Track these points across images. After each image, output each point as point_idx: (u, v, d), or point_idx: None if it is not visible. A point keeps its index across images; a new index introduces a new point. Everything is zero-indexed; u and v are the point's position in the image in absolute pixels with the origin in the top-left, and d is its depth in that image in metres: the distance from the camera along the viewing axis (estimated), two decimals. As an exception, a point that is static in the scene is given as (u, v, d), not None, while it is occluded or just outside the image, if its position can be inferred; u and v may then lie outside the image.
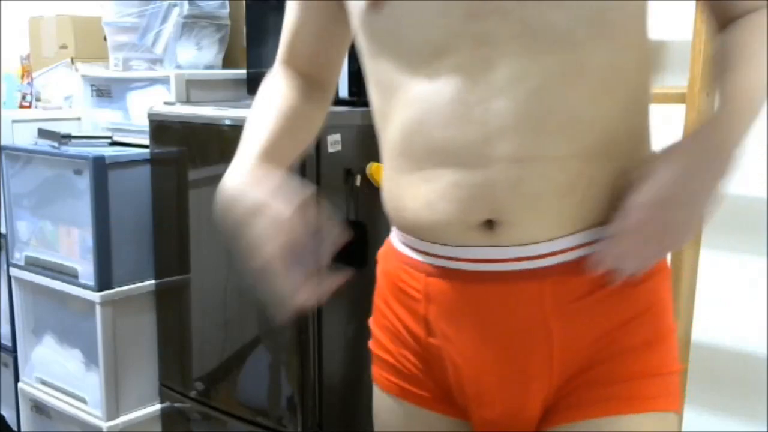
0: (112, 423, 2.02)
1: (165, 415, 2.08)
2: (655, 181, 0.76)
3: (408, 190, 0.84)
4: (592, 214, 0.80)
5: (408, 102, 0.81)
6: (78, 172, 1.96)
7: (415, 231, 0.87)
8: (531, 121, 0.76)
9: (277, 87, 0.99)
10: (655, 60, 0.87)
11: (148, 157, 1.98)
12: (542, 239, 0.80)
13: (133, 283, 2.01)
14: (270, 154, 0.89)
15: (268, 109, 0.96)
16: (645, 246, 0.79)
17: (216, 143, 1.78)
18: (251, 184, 0.84)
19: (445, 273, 0.85)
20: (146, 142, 1.98)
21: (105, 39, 2.24)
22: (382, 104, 0.87)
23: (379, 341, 1.03)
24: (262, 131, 0.92)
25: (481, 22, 0.75)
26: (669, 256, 0.94)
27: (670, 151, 0.78)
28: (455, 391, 0.91)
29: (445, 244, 0.84)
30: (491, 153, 0.77)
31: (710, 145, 0.77)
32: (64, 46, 2.43)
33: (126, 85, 2.15)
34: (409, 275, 0.90)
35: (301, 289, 0.82)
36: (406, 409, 0.98)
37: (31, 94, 2.53)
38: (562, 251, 0.81)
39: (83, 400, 2.09)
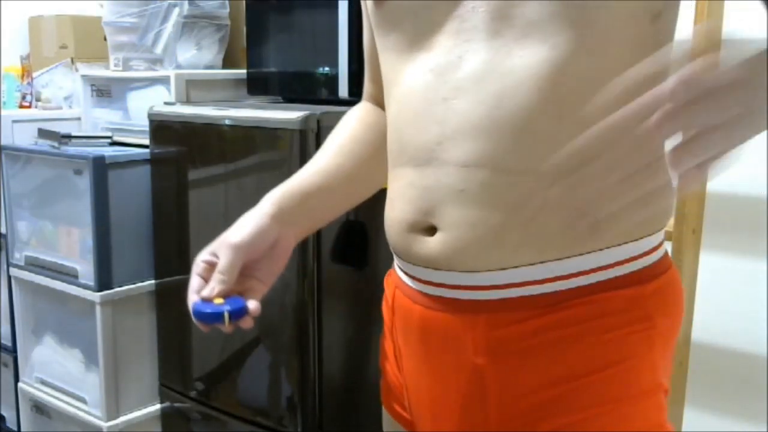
0: (112, 423, 2.02)
1: (165, 415, 2.08)
2: (701, 62, 0.56)
3: (389, 188, 0.83)
4: (545, 245, 0.71)
5: (394, 99, 0.80)
6: (78, 172, 1.96)
7: (388, 234, 0.83)
8: (484, 127, 0.70)
9: (345, 129, 0.96)
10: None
11: (148, 157, 1.98)
12: (482, 267, 0.72)
13: (133, 283, 2.01)
14: (283, 212, 0.87)
15: (319, 158, 0.93)
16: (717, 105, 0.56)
17: (216, 143, 1.78)
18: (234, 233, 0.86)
19: (403, 286, 0.82)
20: (146, 142, 1.98)
21: (105, 39, 2.24)
22: (385, 101, 0.85)
23: (383, 352, 0.95)
24: (293, 183, 0.90)
25: (459, 18, 0.73)
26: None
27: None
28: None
29: (400, 257, 0.81)
30: (442, 155, 0.72)
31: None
32: (64, 46, 2.43)
33: (126, 85, 2.15)
34: (387, 283, 0.88)
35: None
36: (397, 428, 0.91)
37: (31, 94, 2.53)
38: (504, 286, 0.73)
39: (83, 400, 2.09)
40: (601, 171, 0.62)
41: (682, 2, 0.75)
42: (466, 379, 0.76)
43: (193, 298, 0.82)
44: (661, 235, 0.78)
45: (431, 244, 0.75)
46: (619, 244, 0.73)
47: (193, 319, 0.82)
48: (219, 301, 0.81)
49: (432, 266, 0.76)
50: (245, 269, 0.84)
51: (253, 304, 0.81)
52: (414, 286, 0.80)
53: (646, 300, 0.74)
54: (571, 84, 0.68)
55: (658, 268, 0.76)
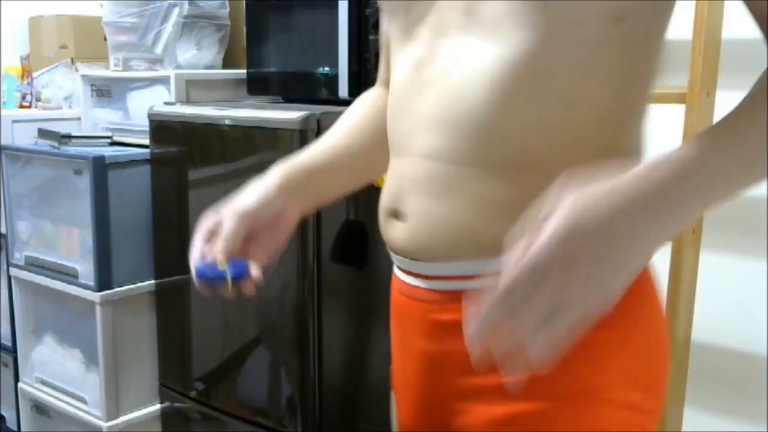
0: (112, 423, 2.02)
1: (165, 415, 2.08)
2: (554, 225, 0.56)
3: None
4: (492, 240, 0.66)
5: (390, 89, 0.83)
6: (78, 172, 1.96)
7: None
8: (442, 120, 0.72)
9: (359, 107, 0.99)
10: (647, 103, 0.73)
11: (148, 157, 1.98)
12: (437, 258, 0.74)
13: (133, 283, 2.01)
14: (290, 184, 0.88)
15: (329, 136, 0.95)
16: (529, 321, 0.57)
17: (216, 143, 1.78)
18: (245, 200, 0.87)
19: (394, 273, 0.86)
20: (146, 142, 1.98)
21: (105, 39, 2.24)
22: None
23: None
24: (302, 157, 0.91)
25: (439, 12, 0.74)
26: (668, 262, 0.83)
27: (605, 179, 0.59)
28: None
29: (386, 243, 0.84)
30: (411, 145, 0.75)
31: (662, 192, 0.58)
32: (64, 46, 2.43)
33: (126, 85, 2.15)
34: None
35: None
36: None
37: (31, 94, 2.53)
38: (454, 277, 0.74)
39: (83, 400, 2.09)
40: (552, 170, 0.63)
41: (682, 2, 0.73)
42: (420, 364, 0.80)
43: (195, 262, 0.83)
44: None
45: (399, 231, 0.78)
46: None
47: (195, 282, 0.83)
48: (222, 266, 0.82)
49: (401, 253, 0.79)
50: (248, 237, 0.85)
51: (255, 270, 0.83)
52: (396, 272, 0.84)
53: None
54: (524, 83, 0.68)
55: None
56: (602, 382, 0.71)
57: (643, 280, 0.73)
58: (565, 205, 0.57)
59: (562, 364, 0.66)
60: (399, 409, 0.88)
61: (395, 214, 0.78)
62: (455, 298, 0.74)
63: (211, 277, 0.81)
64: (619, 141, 0.71)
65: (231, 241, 0.83)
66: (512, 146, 0.70)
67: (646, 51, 0.70)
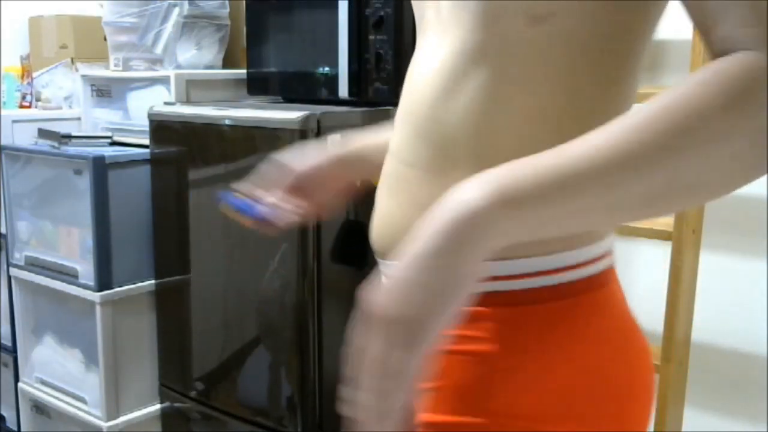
0: (112, 423, 2.02)
1: (165, 415, 2.08)
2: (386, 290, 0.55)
3: None
4: None
5: None
6: (78, 172, 1.96)
7: None
8: (402, 119, 0.75)
9: None
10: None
11: (148, 157, 1.98)
12: (392, 256, 0.72)
13: (133, 283, 2.01)
14: (348, 157, 0.95)
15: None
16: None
17: (216, 143, 1.78)
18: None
19: None
20: (146, 142, 1.98)
21: (105, 39, 2.24)
22: None
23: None
24: (366, 137, 0.96)
25: (423, 12, 0.76)
26: (668, 262, 0.81)
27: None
28: None
29: None
30: (392, 141, 0.78)
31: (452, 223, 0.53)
32: (64, 46, 2.43)
33: (126, 85, 2.15)
34: None
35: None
36: None
37: (31, 94, 2.53)
38: None
39: (83, 400, 2.09)
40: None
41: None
42: None
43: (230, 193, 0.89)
44: (542, 261, 0.67)
45: (372, 227, 0.81)
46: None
47: (220, 203, 0.90)
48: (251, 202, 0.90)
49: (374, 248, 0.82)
50: (297, 189, 0.91)
51: (276, 217, 0.89)
52: None
53: (497, 324, 0.67)
54: (460, 83, 0.68)
55: (524, 297, 0.67)
56: (502, 407, 0.67)
57: (567, 307, 0.68)
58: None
59: (479, 384, 0.67)
60: None
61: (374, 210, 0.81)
62: None
63: (239, 203, 0.89)
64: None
65: (274, 190, 0.90)
66: (451, 148, 0.68)
67: (589, 54, 0.66)
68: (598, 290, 0.69)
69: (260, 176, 0.91)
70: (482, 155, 0.67)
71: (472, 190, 0.54)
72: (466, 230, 0.53)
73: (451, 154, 0.69)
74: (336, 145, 0.94)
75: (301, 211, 0.91)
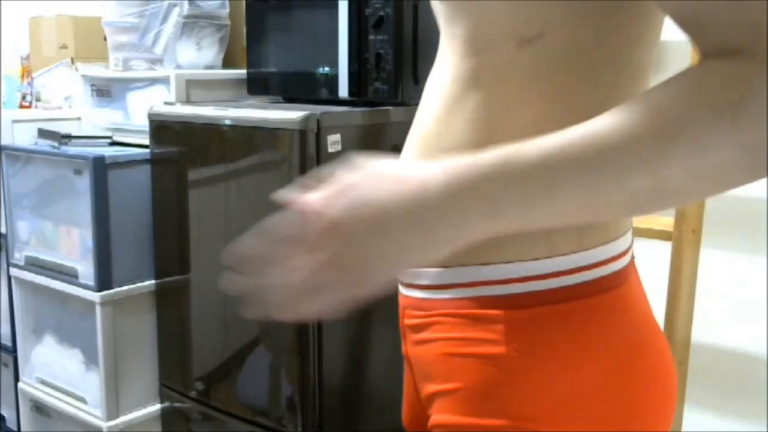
0: (112, 423, 2.02)
1: (165, 415, 2.08)
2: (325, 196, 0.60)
3: None
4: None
5: None
6: (78, 172, 1.96)
7: None
8: (412, 131, 0.77)
9: None
10: None
11: (148, 157, 1.98)
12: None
13: (133, 283, 2.01)
14: None
15: None
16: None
17: (216, 143, 1.78)
18: None
19: None
20: (146, 142, 1.98)
21: (105, 39, 2.24)
22: None
23: None
24: None
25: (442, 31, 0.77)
26: (668, 262, 0.82)
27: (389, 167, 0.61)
28: None
29: None
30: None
31: (436, 199, 0.57)
32: (64, 46, 2.44)
33: (126, 85, 2.15)
34: None
35: None
36: None
37: (31, 94, 2.53)
38: (410, 285, 0.76)
39: (83, 400, 2.09)
40: None
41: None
42: (407, 366, 0.82)
43: None
44: (553, 263, 0.68)
45: None
46: (496, 263, 0.67)
47: None
48: None
49: None
50: None
51: None
52: None
53: (498, 327, 0.68)
54: (459, 103, 0.69)
55: (529, 300, 0.67)
56: (513, 410, 0.67)
57: (581, 309, 0.68)
58: (343, 188, 0.60)
59: (474, 388, 0.68)
60: (402, 410, 0.90)
61: None
62: (410, 305, 0.76)
63: None
64: None
65: None
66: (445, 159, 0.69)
67: (583, 67, 0.65)
68: (612, 291, 0.69)
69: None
70: None
71: (438, 184, 0.58)
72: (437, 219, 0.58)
73: None
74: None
75: None
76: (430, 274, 0.72)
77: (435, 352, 0.72)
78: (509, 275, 0.67)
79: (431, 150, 0.72)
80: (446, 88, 0.71)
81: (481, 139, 0.67)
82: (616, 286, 0.69)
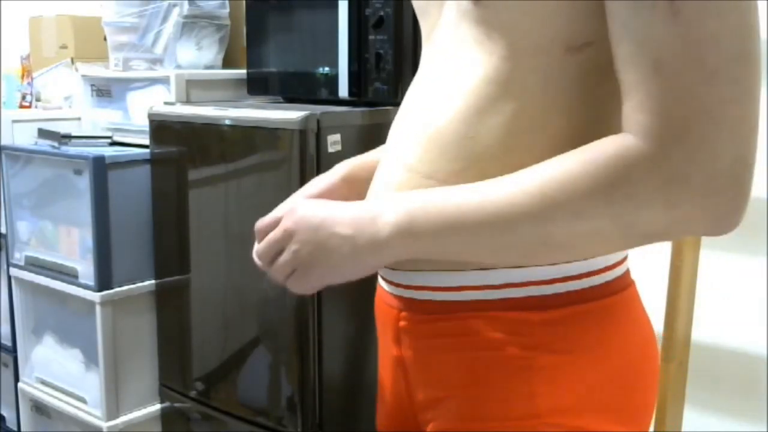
0: (112, 423, 2.02)
1: (165, 415, 2.08)
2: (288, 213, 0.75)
3: None
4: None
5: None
6: (78, 172, 1.96)
7: None
8: (423, 131, 0.76)
9: None
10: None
11: (148, 157, 1.98)
12: (401, 266, 0.76)
13: (133, 283, 2.01)
14: (353, 177, 0.95)
15: None
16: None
17: (216, 143, 1.78)
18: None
19: None
20: (146, 142, 1.98)
21: (105, 39, 2.24)
22: None
23: None
24: (368, 155, 0.97)
25: (449, 27, 0.77)
26: (668, 262, 0.88)
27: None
28: None
29: None
30: (397, 148, 0.79)
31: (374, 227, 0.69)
32: (64, 46, 2.43)
33: (126, 85, 2.15)
34: None
35: None
36: None
37: (31, 94, 2.53)
38: (407, 286, 0.76)
39: (83, 400, 2.09)
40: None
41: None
42: (393, 370, 0.82)
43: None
44: (573, 266, 0.71)
45: None
46: (514, 267, 0.70)
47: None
48: None
49: None
50: None
51: None
52: (379, 273, 0.86)
53: (532, 328, 0.71)
54: (485, 106, 0.70)
55: (562, 300, 0.71)
56: (546, 407, 0.70)
57: (609, 305, 0.72)
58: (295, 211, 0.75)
59: (504, 388, 0.70)
60: (378, 413, 0.90)
61: None
62: (409, 306, 0.76)
63: None
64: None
65: None
66: (483, 162, 0.70)
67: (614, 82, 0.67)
68: (624, 291, 0.75)
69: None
70: (512, 170, 0.69)
71: (388, 217, 0.68)
72: (373, 251, 0.69)
73: (482, 169, 0.70)
74: (341, 166, 0.96)
75: None
76: (443, 276, 0.72)
77: (457, 356, 0.73)
78: (530, 278, 0.70)
79: (453, 151, 0.71)
80: (476, 88, 0.70)
81: (519, 145, 0.69)
82: (627, 286, 0.75)
